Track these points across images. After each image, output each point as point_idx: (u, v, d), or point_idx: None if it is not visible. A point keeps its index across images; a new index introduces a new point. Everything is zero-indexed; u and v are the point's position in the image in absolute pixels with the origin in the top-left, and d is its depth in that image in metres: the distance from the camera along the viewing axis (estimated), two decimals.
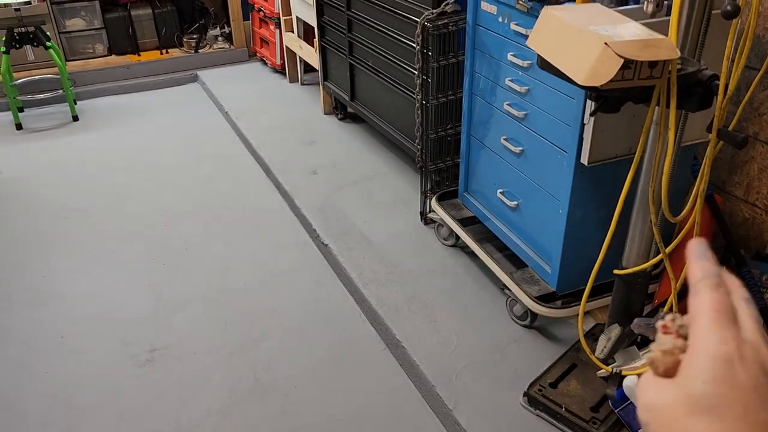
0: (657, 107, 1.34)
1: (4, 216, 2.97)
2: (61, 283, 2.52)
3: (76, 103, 3.98)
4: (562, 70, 1.32)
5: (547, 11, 1.42)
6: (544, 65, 1.42)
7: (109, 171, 3.36)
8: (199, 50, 4.66)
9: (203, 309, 2.36)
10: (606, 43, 1.20)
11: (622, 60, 1.18)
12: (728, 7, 1.19)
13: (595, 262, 1.56)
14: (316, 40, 3.67)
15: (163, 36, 4.61)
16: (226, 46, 4.76)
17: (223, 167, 3.40)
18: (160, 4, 4.60)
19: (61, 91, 3.91)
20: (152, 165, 3.42)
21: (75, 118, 3.93)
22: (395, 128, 3.03)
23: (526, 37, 1.93)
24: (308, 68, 4.22)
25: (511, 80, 2.06)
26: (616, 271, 1.67)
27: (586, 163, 1.79)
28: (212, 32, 4.76)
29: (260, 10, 4.44)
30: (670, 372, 0.39)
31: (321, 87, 3.76)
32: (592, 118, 1.73)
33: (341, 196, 2.95)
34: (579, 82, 1.25)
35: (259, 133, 3.61)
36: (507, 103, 2.11)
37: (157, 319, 2.31)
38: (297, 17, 4.02)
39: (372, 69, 3.10)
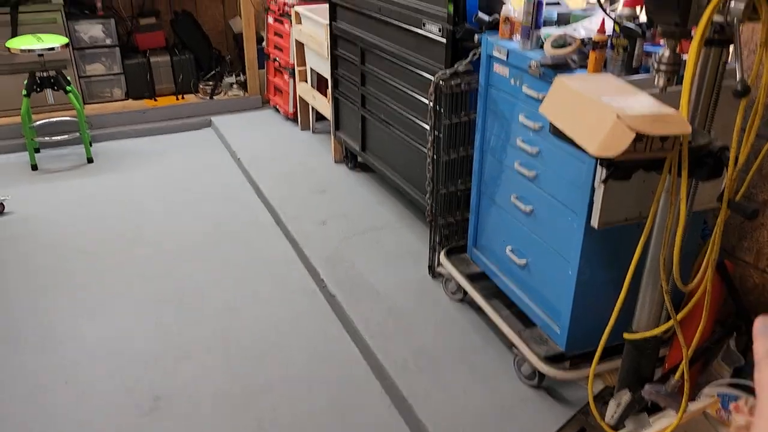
0: (668, 175, 1.36)
1: (16, 255, 3.00)
2: (69, 324, 2.52)
3: (91, 146, 4.05)
4: (574, 139, 1.35)
5: (560, 80, 1.46)
6: (556, 132, 1.46)
7: (121, 213, 3.39)
8: (214, 97, 4.76)
9: (209, 355, 2.35)
10: (618, 116, 1.24)
11: (634, 134, 1.21)
12: (738, 88, 1.22)
13: (605, 323, 1.56)
14: (329, 91, 3.75)
15: (180, 82, 4.72)
16: (241, 93, 4.86)
17: (234, 213, 3.43)
18: (178, 51, 4.73)
19: (77, 133, 3.98)
20: (163, 208, 3.45)
21: (90, 160, 4.00)
22: (405, 180, 3.07)
23: (537, 100, 1.98)
24: (320, 117, 4.30)
25: (522, 141, 2.10)
26: (626, 336, 1.67)
27: (596, 227, 1.80)
28: (228, 80, 4.87)
29: (275, 60, 4.55)
30: None
31: (332, 136, 3.82)
32: (602, 181, 1.76)
33: (350, 246, 2.97)
34: (591, 153, 1.28)
35: (270, 180, 3.65)
36: (518, 162, 2.14)
37: (163, 364, 2.30)
38: (311, 68, 4.12)
39: (384, 122, 3.16)
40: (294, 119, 4.50)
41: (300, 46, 4.15)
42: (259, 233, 3.24)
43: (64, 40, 3.85)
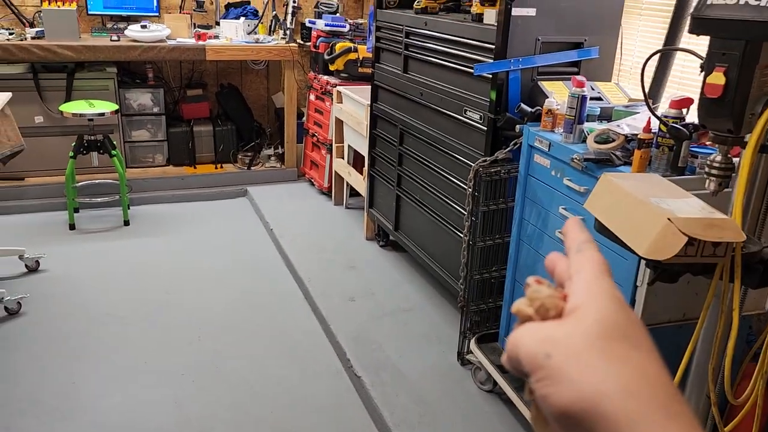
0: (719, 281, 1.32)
1: (46, 315, 3.01)
2: (90, 392, 2.49)
3: (129, 208, 4.13)
4: (622, 239, 1.33)
5: (607, 178, 1.45)
6: (602, 230, 1.43)
7: (151, 279, 3.41)
8: (252, 167, 4.86)
9: None
10: (669, 219, 1.21)
11: (686, 238, 1.18)
12: None
13: None
14: (365, 168, 3.80)
15: (220, 151, 4.85)
16: (278, 165, 4.96)
17: (262, 284, 3.42)
18: (221, 122, 4.88)
19: (117, 195, 4.08)
20: (193, 276, 3.46)
21: (126, 223, 4.07)
22: (437, 263, 3.04)
23: (579, 193, 1.97)
24: (353, 193, 4.35)
25: (561, 232, 2.07)
26: None
27: None
28: (266, 151, 4.99)
29: (314, 135, 4.66)
30: (555, 318, 0.37)
31: (365, 213, 3.85)
32: (646, 280, 1.72)
33: (378, 326, 2.92)
34: (640, 255, 1.25)
35: (301, 253, 3.66)
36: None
37: None
38: (349, 145, 4.20)
39: (419, 203, 3.17)
40: (328, 193, 4.56)
41: (339, 123, 4.25)
42: (286, 306, 3.21)
43: (114, 106, 4.01)
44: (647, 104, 1.67)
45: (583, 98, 2.02)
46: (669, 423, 0.31)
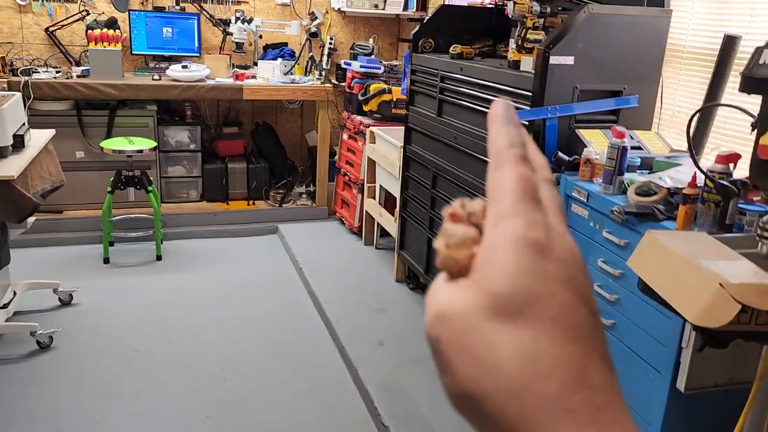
0: None
1: (76, 350, 3.02)
2: (114, 431, 2.47)
3: (162, 243, 4.17)
4: (669, 302, 1.27)
5: (652, 236, 1.40)
6: (647, 290, 1.38)
7: (180, 315, 3.41)
8: (283, 204, 4.89)
9: None
10: (721, 284, 1.16)
11: (739, 306, 1.12)
12: None
13: None
14: (397, 210, 3.79)
15: (253, 188, 4.89)
16: (309, 203, 4.98)
17: (290, 323, 3.39)
18: (255, 159, 4.94)
19: (151, 230, 4.12)
20: (222, 313, 3.46)
21: (159, 258, 4.10)
22: None
23: (618, 246, 1.91)
24: (384, 233, 4.32)
25: (599, 285, 2.01)
26: None
27: (682, 390, 1.66)
28: (298, 189, 5.02)
29: (346, 174, 4.67)
30: (464, 270, 0.30)
31: (396, 255, 3.81)
32: (691, 342, 1.64)
33: (406, 373, 2.86)
34: (690, 321, 1.19)
35: (329, 293, 3.63)
36: None
37: None
38: (381, 186, 4.20)
39: None
40: (358, 233, 4.54)
41: (371, 163, 4.26)
42: (314, 348, 3.17)
43: (153, 143, 4.09)
44: (693, 160, 1.62)
45: (624, 149, 1.98)
46: (560, 422, 0.26)
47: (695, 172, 1.72)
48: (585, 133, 2.34)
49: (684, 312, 1.21)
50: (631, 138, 2.28)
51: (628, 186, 1.95)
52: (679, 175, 1.95)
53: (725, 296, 1.14)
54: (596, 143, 2.26)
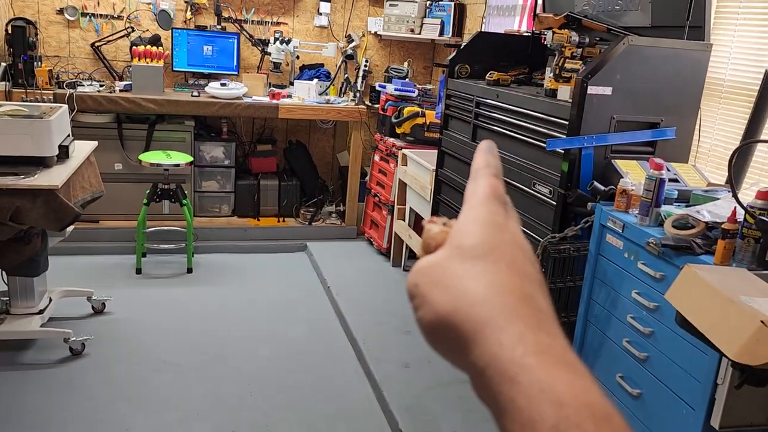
0: None
1: (107, 358, 3.07)
2: None
3: (193, 256, 4.23)
4: (708, 337, 1.26)
5: (692, 270, 1.40)
6: (684, 324, 1.37)
7: (208, 328, 3.46)
8: (313, 223, 4.94)
9: None
10: (763, 322, 1.15)
11: None
12: None
13: None
14: None
15: (283, 206, 4.95)
16: (338, 222, 5.02)
17: (317, 342, 3.41)
18: (287, 177, 5.00)
19: (183, 243, 4.19)
20: (250, 329, 3.49)
21: (189, 270, 4.16)
22: None
23: (654, 278, 1.90)
24: (412, 255, 4.33)
25: (633, 318, 1.99)
26: None
27: (717, 428, 1.64)
28: (328, 208, 5.07)
29: (376, 195, 4.71)
30: (440, 246, 0.38)
31: None
32: (728, 378, 1.62)
33: (433, 397, 2.85)
34: (729, 357, 1.18)
35: (357, 313, 3.64)
36: (626, 339, 2.02)
37: None
38: (411, 208, 4.22)
39: None
40: (386, 254, 4.56)
41: (402, 185, 4.29)
42: (340, 368, 3.18)
43: (189, 158, 4.18)
44: (734, 195, 1.61)
45: (662, 181, 1.97)
46: (513, 322, 0.33)
47: (735, 207, 1.71)
48: (621, 164, 2.34)
49: (723, 348, 1.20)
50: (668, 170, 2.27)
51: (665, 218, 1.94)
52: (718, 210, 1.94)
53: (766, 334, 1.13)
54: (633, 174, 2.25)
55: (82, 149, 3.19)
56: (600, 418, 0.30)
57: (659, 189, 1.97)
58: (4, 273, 3.05)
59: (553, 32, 2.61)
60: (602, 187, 2.26)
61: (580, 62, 2.58)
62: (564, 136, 2.41)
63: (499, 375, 0.33)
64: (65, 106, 3.14)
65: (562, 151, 2.42)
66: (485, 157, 0.42)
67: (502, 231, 0.38)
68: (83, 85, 4.28)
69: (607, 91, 2.36)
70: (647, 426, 1.90)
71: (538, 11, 3.42)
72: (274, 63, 4.75)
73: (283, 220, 4.94)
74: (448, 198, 3.51)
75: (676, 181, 2.28)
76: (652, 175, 2.00)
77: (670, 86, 2.46)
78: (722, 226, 1.70)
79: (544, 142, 2.49)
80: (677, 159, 2.48)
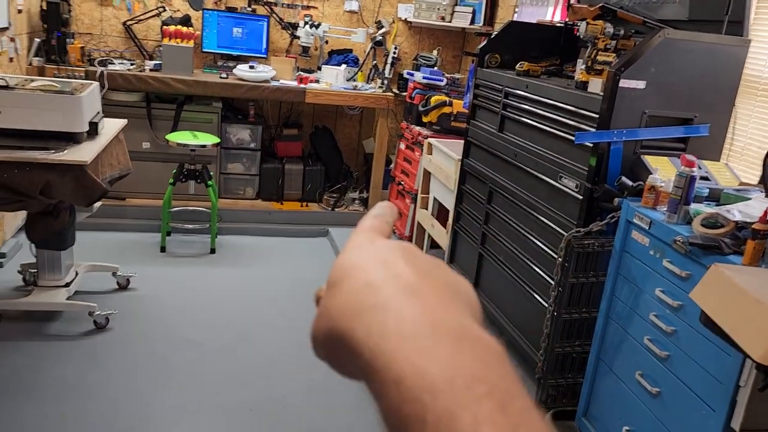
0: None
1: (130, 333, 3.12)
2: (162, 416, 2.54)
3: (217, 237, 4.27)
4: (733, 338, 1.24)
5: (719, 270, 1.37)
6: (709, 324, 1.35)
7: (230, 308, 3.49)
8: (336, 209, 4.95)
9: None
10: None
11: None
12: None
13: None
14: (449, 222, 3.78)
15: (307, 190, 4.97)
16: (361, 209, 5.02)
17: None
18: (311, 162, 5.02)
19: (207, 224, 4.24)
20: (269, 310, 3.52)
21: (212, 251, 4.21)
22: (516, 328, 2.96)
23: (680, 277, 1.87)
24: (434, 244, 4.32)
25: (655, 315, 1.97)
26: None
27: (737, 430, 1.61)
28: (351, 194, 5.07)
29: (400, 183, 4.70)
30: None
31: None
32: (751, 380, 1.59)
33: None
34: (754, 359, 1.16)
35: None
36: (648, 337, 2.00)
37: None
38: (434, 197, 4.20)
39: (502, 264, 3.11)
40: (407, 242, 4.55)
41: (427, 174, 4.27)
42: None
43: (216, 139, 4.21)
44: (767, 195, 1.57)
45: (692, 178, 1.93)
46: (365, 321, 0.33)
47: (767, 208, 1.67)
48: (651, 160, 2.30)
49: (749, 349, 1.18)
50: (700, 168, 2.22)
51: (694, 216, 1.90)
52: (749, 210, 1.90)
53: None
54: (662, 170, 2.21)
55: (111, 127, 3.23)
56: (462, 387, 0.28)
57: (689, 186, 1.94)
58: (33, 245, 3.11)
59: (587, 23, 2.56)
60: (630, 183, 2.22)
61: (614, 55, 2.53)
62: (593, 130, 2.38)
63: (365, 372, 0.33)
64: (96, 84, 3.18)
65: (591, 145, 2.38)
66: (380, 208, 0.44)
67: (361, 251, 0.38)
68: (114, 64, 4.33)
69: (640, 84, 2.32)
70: (665, 425, 1.88)
71: (572, 1, 3.36)
72: (302, 47, 4.75)
73: (307, 205, 4.96)
74: (472, 188, 3.49)
75: (707, 179, 2.24)
76: (682, 171, 1.96)
77: (706, 82, 2.40)
78: (753, 226, 1.66)
79: (573, 135, 2.46)
80: (709, 156, 2.43)
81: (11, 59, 3.84)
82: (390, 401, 0.30)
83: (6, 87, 2.79)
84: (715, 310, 1.31)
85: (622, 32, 2.57)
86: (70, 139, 2.84)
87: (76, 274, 3.33)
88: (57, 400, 2.58)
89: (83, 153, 2.78)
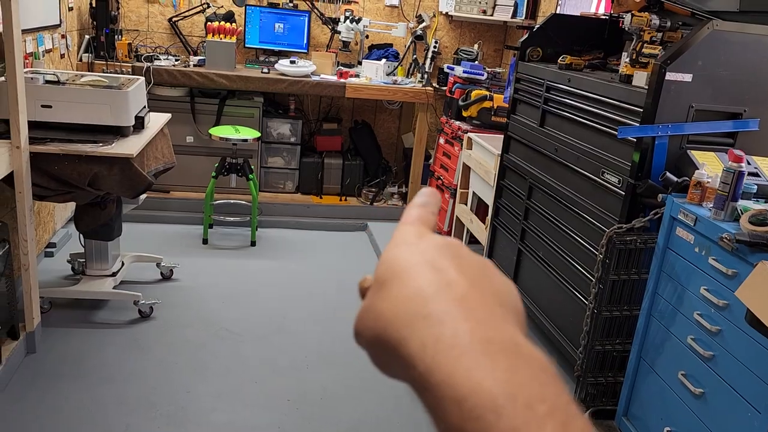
0: None
1: (173, 322, 3.20)
2: (201, 404, 2.60)
3: (257, 230, 4.34)
4: None
5: (766, 268, 1.33)
6: (755, 323, 1.31)
7: (270, 299, 3.55)
8: (374, 203, 4.96)
9: None
10: None
11: None
12: None
13: None
14: (488, 218, 3.76)
15: (346, 185, 5.00)
16: (399, 203, 5.02)
17: None
18: (351, 156, 5.04)
19: (248, 217, 4.31)
20: (308, 303, 3.56)
21: (253, 244, 4.28)
22: (555, 325, 2.92)
23: (726, 275, 1.82)
24: (472, 239, 4.30)
25: (700, 314, 1.92)
26: None
27: None
28: (390, 189, 5.08)
29: (439, 178, 4.68)
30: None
31: None
32: None
33: None
34: None
35: None
36: (691, 337, 1.95)
37: None
38: (474, 192, 4.17)
39: (541, 260, 3.07)
40: (454, 239, 4.53)
41: (466, 169, 4.25)
42: None
43: (257, 134, 4.27)
44: None
45: (740, 174, 1.88)
46: (419, 328, 0.32)
47: None
48: (697, 155, 2.24)
49: None
50: (749, 163, 2.15)
51: (742, 213, 1.85)
52: None
53: None
54: (709, 166, 2.15)
55: (156, 121, 3.31)
56: (523, 405, 0.28)
57: (737, 182, 1.88)
58: (81, 236, 3.22)
59: (633, 15, 2.51)
60: (675, 179, 2.17)
61: (660, 47, 2.47)
62: (637, 124, 2.32)
63: (420, 383, 0.32)
64: (142, 79, 3.26)
65: (634, 140, 2.33)
66: (424, 197, 0.44)
67: (410, 249, 0.38)
68: (159, 59, 4.43)
69: (687, 78, 2.26)
70: (708, 426, 1.83)
71: None
72: (343, 42, 4.77)
73: (345, 199, 4.99)
74: (511, 183, 3.45)
75: (756, 175, 2.16)
76: (730, 167, 1.91)
77: (756, 75, 2.32)
78: None
79: (616, 130, 2.41)
80: (759, 152, 2.35)
81: (62, 55, 3.96)
82: (451, 419, 0.30)
83: (57, 82, 2.89)
84: (761, 309, 1.27)
85: (668, 24, 2.51)
86: (117, 132, 2.92)
87: (122, 264, 3.43)
88: (101, 384, 2.66)
89: (129, 146, 2.86)
